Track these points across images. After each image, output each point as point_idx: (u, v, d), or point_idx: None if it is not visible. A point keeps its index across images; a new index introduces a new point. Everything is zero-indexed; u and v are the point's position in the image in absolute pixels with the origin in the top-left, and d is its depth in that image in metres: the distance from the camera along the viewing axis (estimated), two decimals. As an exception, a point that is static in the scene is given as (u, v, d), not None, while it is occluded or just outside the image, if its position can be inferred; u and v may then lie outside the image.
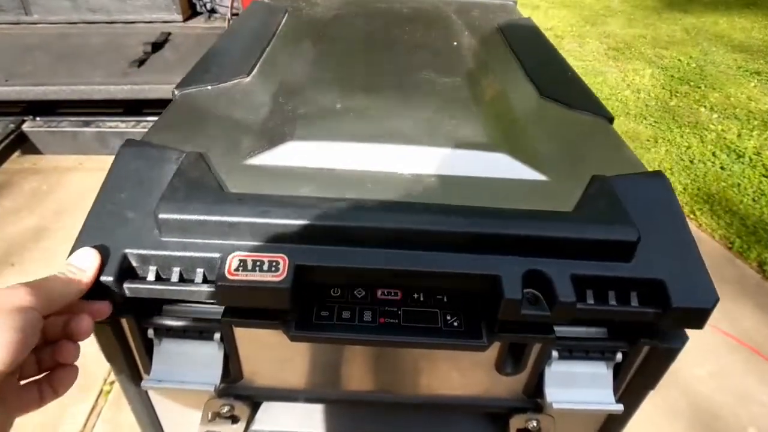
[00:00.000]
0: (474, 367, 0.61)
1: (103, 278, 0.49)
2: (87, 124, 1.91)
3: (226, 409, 0.62)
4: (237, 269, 0.49)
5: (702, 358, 1.71)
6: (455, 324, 0.56)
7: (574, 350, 0.57)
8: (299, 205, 0.53)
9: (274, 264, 0.50)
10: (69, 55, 1.92)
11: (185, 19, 2.16)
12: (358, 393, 0.65)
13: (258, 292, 0.49)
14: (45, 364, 0.46)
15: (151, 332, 0.56)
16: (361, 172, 0.63)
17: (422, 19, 1.18)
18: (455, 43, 1.05)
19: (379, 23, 1.14)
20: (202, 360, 0.58)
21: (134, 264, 0.51)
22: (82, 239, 0.52)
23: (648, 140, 2.92)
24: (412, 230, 0.52)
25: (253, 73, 0.86)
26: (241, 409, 0.63)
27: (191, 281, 0.52)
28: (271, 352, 0.60)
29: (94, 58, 1.90)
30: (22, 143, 2.09)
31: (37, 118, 1.95)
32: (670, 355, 0.56)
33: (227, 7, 2.02)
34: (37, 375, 0.46)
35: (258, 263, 0.50)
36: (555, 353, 0.57)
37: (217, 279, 0.49)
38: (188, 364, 0.58)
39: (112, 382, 1.53)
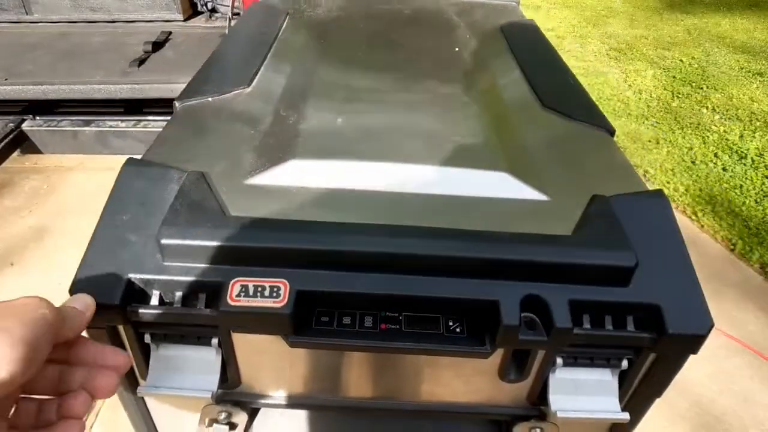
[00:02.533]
0: (476, 374, 0.60)
1: (107, 301, 0.50)
2: (87, 123, 1.90)
3: (223, 415, 0.61)
4: (239, 295, 0.51)
5: (704, 360, 1.69)
6: (457, 330, 0.55)
7: (578, 357, 0.56)
8: (299, 230, 0.55)
9: (275, 290, 0.51)
10: (69, 55, 1.92)
11: (186, 19, 2.15)
12: (358, 400, 0.64)
13: (259, 318, 0.51)
14: (45, 416, 0.40)
15: (147, 337, 0.55)
16: (362, 192, 0.64)
17: (424, 23, 1.17)
18: (457, 49, 1.04)
19: (380, 26, 1.13)
20: (199, 365, 0.57)
21: (138, 287, 0.53)
22: (88, 262, 0.53)
23: (650, 141, 2.91)
24: (412, 255, 0.53)
25: (254, 83, 0.86)
26: (239, 416, 0.62)
27: (194, 305, 0.53)
28: (270, 358, 0.59)
29: (95, 57, 1.89)
30: (22, 142, 2.08)
31: (37, 118, 1.95)
32: (677, 362, 0.55)
33: (228, 6, 2.01)
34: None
35: (259, 289, 0.51)
36: (559, 360, 0.56)
37: (220, 305, 0.51)
38: (185, 370, 0.57)
39: (110, 384, 1.52)
